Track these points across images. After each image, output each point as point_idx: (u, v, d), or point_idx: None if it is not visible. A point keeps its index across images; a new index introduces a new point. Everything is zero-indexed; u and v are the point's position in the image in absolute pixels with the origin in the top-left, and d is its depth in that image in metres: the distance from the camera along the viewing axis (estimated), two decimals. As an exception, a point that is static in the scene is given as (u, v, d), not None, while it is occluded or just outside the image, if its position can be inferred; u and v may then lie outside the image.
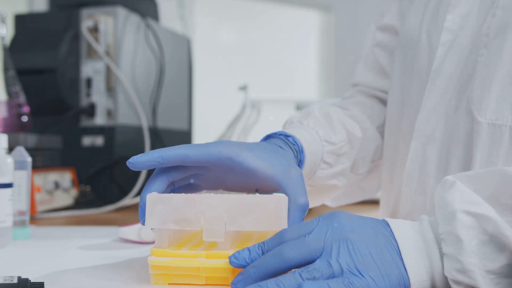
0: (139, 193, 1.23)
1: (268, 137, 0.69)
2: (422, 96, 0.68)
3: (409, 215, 0.68)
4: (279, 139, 0.68)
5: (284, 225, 0.54)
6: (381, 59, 0.85)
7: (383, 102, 0.85)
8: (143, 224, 0.56)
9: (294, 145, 0.68)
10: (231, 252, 0.52)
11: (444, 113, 0.66)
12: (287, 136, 0.69)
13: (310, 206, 0.81)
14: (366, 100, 0.86)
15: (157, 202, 0.54)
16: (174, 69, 1.58)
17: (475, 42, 0.63)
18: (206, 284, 0.52)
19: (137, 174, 1.27)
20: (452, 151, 0.64)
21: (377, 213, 1.13)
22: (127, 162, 0.57)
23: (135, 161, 0.57)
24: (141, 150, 1.32)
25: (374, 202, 1.31)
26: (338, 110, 0.80)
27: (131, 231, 0.76)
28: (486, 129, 0.60)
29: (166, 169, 0.59)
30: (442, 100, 0.66)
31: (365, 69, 0.88)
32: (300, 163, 0.68)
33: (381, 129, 0.82)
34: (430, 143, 0.66)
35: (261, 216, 0.53)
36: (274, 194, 0.56)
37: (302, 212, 0.57)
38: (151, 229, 0.55)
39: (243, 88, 2.23)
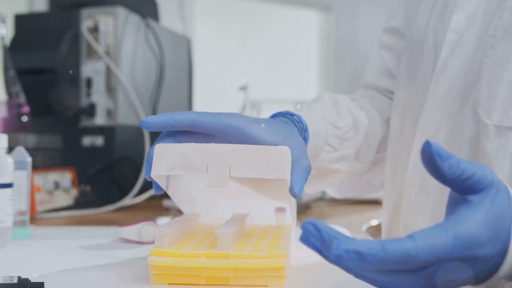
0: (139, 193, 1.23)
1: (274, 116, 0.71)
2: (425, 96, 0.68)
3: (411, 216, 0.68)
4: (284, 117, 0.70)
5: (287, 174, 0.55)
6: (387, 61, 0.86)
7: (392, 101, 0.86)
8: (148, 176, 0.57)
9: (299, 123, 0.70)
10: (231, 252, 0.52)
11: (447, 113, 0.65)
12: (292, 114, 0.70)
13: (315, 190, 0.82)
14: (376, 95, 0.88)
15: (165, 149, 0.55)
16: (174, 69, 1.58)
17: (481, 43, 0.63)
18: (206, 284, 0.52)
19: (137, 174, 1.27)
20: (456, 153, 0.64)
21: (379, 213, 1.13)
22: (140, 122, 0.59)
23: (148, 121, 0.59)
24: (141, 150, 1.32)
25: (377, 202, 1.32)
26: (347, 99, 0.81)
27: (131, 231, 0.76)
28: (492, 131, 0.59)
29: (174, 132, 0.61)
30: (445, 100, 0.66)
31: (372, 70, 0.89)
32: (304, 140, 0.69)
33: (388, 123, 0.82)
34: None
35: (265, 163, 0.54)
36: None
37: (306, 172, 0.58)
38: (152, 230, 0.55)
39: (243, 88, 2.24)
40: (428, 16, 0.74)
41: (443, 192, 0.65)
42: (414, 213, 0.68)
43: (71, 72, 1.30)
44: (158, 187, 0.59)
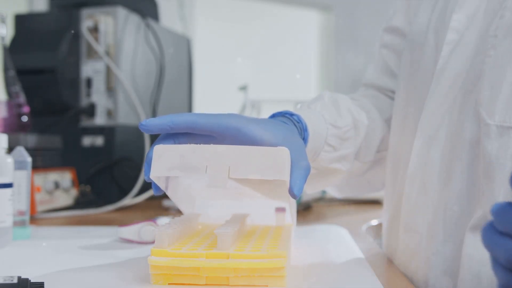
0: (139, 193, 1.23)
1: (273, 116, 0.71)
2: (426, 96, 0.68)
3: (411, 216, 0.68)
4: (284, 117, 0.70)
5: (286, 175, 0.55)
6: (389, 60, 0.86)
7: (393, 100, 0.86)
8: (148, 178, 0.57)
9: (298, 123, 0.70)
10: (231, 252, 0.52)
11: (448, 113, 0.65)
12: (292, 114, 0.70)
13: (315, 190, 0.82)
14: (376, 94, 0.88)
15: (164, 150, 0.55)
16: (174, 69, 1.58)
17: (482, 43, 0.63)
18: (206, 284, 0.52)
19: (137, 174, 1.27)
20: (456, 152, 0.64)
21: (379, 213, 1.13)
22: (139, 125, 0.59)
23: (147, 124, 0.59)
24: (141, 150, 1.32)
25: (377, 202, 1.32)
26: (347, 98, 0.81)
27: (131, 231, 0.76)
28: (494, 131, 0.59)
29: (174, 134, 0.61)
30: (446, 100, 0.66)
31: (374, 70, 0.89)
32: (303, 140, 0.69)
33: (389, 122, 0.82)
34: (434, 143, 0.66)
35: (264, 164, 0.54)
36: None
37: (305, 173, 0.58)
38: (152, 230, 0.55)
39: (243, 88, 2.24)
40: (428, 16, 0.74)
41: (443, 192, 0.65)
42: (415, 213, 0.68)
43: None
44: (158, 188, 0.59)
